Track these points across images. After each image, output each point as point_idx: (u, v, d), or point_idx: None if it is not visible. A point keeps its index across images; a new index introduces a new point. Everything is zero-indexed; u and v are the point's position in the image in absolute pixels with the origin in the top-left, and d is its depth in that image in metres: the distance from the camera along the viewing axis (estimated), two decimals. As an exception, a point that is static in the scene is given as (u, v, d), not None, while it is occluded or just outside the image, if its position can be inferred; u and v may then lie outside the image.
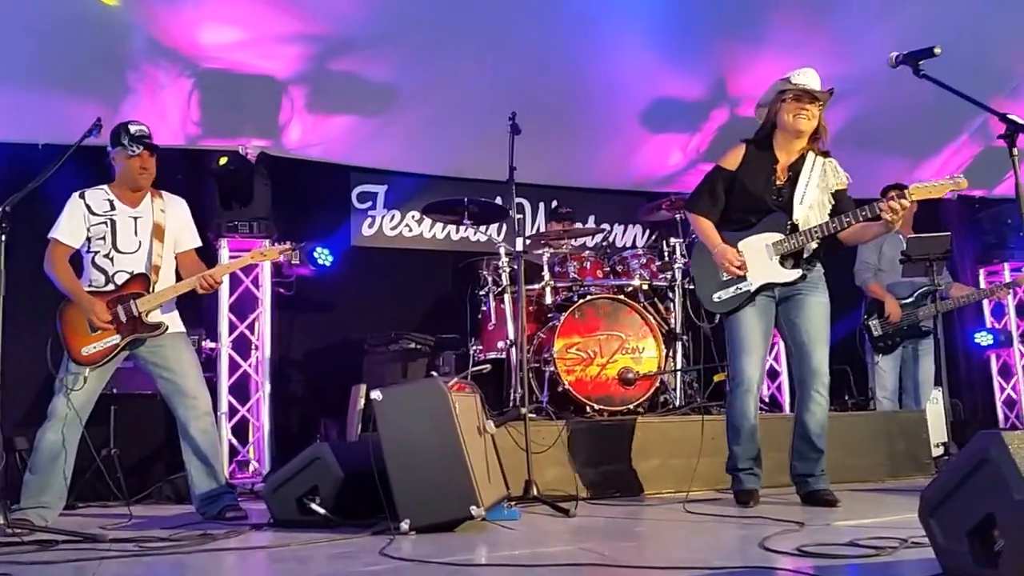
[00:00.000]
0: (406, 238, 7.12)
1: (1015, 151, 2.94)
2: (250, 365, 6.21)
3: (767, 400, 6.92)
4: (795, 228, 3.79)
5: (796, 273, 3.83)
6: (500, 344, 5.43)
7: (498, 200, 5.98)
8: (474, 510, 3.24)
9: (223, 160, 5.91)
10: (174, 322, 4.31)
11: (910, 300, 5.86)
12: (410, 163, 7.04)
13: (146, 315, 4.15)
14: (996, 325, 7.81)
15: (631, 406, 4.93)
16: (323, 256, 6.33)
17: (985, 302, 7.70)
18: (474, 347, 5.62)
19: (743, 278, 3.82)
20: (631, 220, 7.72)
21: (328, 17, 5.80)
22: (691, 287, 4.07)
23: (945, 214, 7.74)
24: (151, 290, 4.20)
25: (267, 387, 6.16)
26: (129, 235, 4.24)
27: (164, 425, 5.80)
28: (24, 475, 4.12)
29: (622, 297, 5.16)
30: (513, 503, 3.75)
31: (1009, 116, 2.93)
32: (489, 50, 6.14)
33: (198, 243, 4.56)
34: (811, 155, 3.87)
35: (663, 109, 6.94)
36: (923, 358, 5.93)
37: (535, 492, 3.91)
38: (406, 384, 3.65)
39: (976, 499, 1.94)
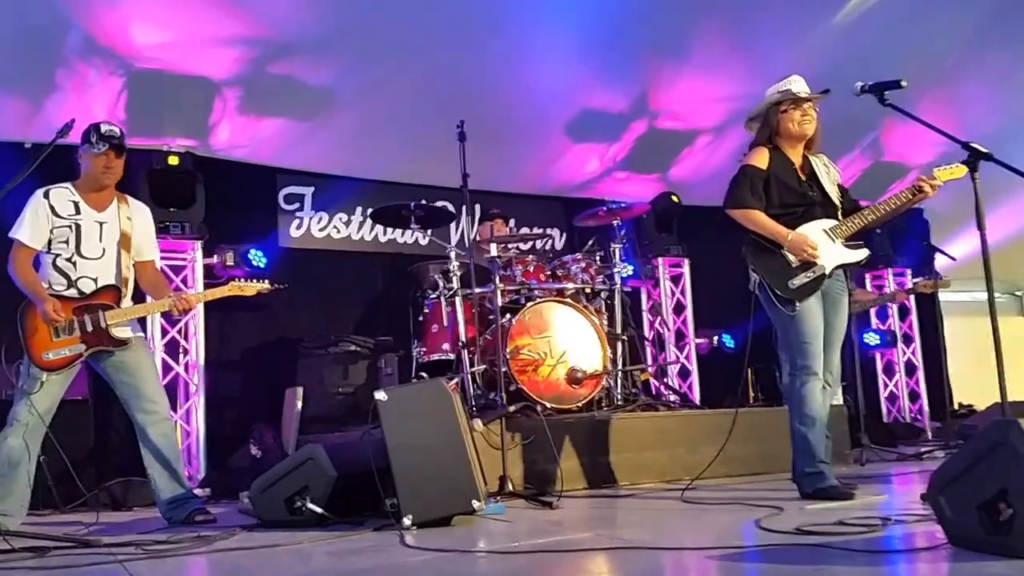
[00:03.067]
0: (334, 240, 7.14)
1: (976, 176, 3.24)
2: (181, 369, 6.08)
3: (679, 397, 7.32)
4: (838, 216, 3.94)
5: (864, 252, 3.97)
6: (445, 346, 5.56)
7: (423, 202, 6.10)
8: (475, 504, 3.40)
9: (175, 160, 5.78)
10: (134, 327, 4.25)
11: None
12: (339, 166, 7.06)
13: (113, 328, 4.08)
14: (881, 326, 8.51)
15: (579, 404, 5.15)
16: (257, 258, 6.27)
17: (869, 304, 8.36)
18: (417, 349, 5.70)
19: (813, 263, 3.85)
20: (549, 224, 8.00)
21: (269, 20, 5.78)
22: (756, 280, 3.95)
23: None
24: (120, 303, 4.13)
25: (201, 392, 6.05)
26: (93, 241, 4.16)
27: (93, 431, 5.66)
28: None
29: (569, 300, 5.38)
30: (498, 498, 3.90)
31: (971, 144, 3.27)
32: (426, 59, 6.25)
33: (158, 254, 4.53)
34: (811, 158, 4.04)
35: (587, 119, 7.24)
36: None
37: (510, 487, 4.08)
38: (410, 385, 3.75)
39: (989, 477, 2.25)
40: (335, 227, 7.14)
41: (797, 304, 3.82)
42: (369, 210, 7.06)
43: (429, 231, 6.89)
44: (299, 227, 7.00)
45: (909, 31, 6.78)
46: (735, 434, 5.17)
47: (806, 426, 3.81)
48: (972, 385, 7.57)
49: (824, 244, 3.88)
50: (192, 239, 6.04)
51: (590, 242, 5.83)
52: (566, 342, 5.26)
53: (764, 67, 6.92)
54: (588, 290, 5.60)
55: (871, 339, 8.11)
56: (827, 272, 3.87)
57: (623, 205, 5.96)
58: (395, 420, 3.43)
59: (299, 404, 5.99)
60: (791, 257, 3.87)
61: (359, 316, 7.03)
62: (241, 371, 6.61)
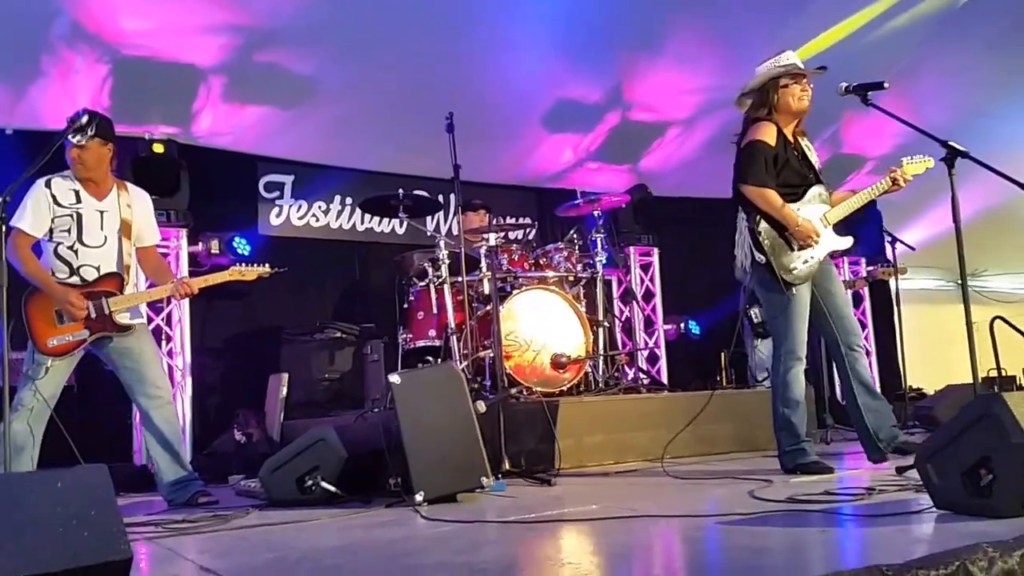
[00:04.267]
0: (313, 228, 7.25)
1: (953, 172, 3.47)
2: (165, 356, 6.15)
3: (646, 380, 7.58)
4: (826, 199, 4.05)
5: (850, 239, 4.11)
6: (431, 332, 5.71)
7: (401, 192, 6.24)
8: (484, 481, 3.59)
9: (159, 147, 5.83)
10: (135, 313, 4.35)
11: None
12: (319, 155, 7.17)
13: (116, 315, 4.18)
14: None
15: (564, 387, 5.36)
16: (241, 246, 6.36)
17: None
18: (403, 336, 5.85)
19: (811, 250, 3.96)
20: (522, 213, 8.20)
21: (257, 9, 5.86)
22: (760, 260, 3.99)
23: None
24: (123, 290, 4.23)
25: (187, 378, 6.13)
26: (95, 229, 4.25)
27: (77, 417, 5.71)
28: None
29: (553, 287, 5.57)
30: (499, 476, 4.08)
31: (949, 143, 3.51)
32: (408, 50, 6.37)
33: (158, 239, 4.61)
34: (797, 137, 4.13)
35: (563, 110, 7.44)
36: None
37: (507, 466, 4.27)
38: (423, 369, 3.93)
39: (972, 446, 2.50)
40: (314, 215, 7.25)
41: (794, 289, 3.95)
42: (348, 199, 7.27)
43: (407, 221, 7.07)
44: (279, 215, 7.10)
45: (871, 28, 7.10)
46: (710, 414, 5.46)
47: (789, 408, 4.01)
48: (918, 369, 7.91)
49: (820, 230, 4.00)
50: (177, 227, 6.11)
51: (572, 231, 6.02)
52: (551, 328, 5.45)
53: (736, 60, 7.17)
54: (571, 278, 5.79)
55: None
56: (820, 260, 4.02)
57: (595, 196, 6.17)
58: (409, 402, 3.60)
59: (284, 390, 6.11)
60: (793, 243, 3.97)
61: (338, 303, 7.17)
62: (223, 358, 6.69)
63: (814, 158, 4.15)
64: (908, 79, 7.61)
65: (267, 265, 4.54)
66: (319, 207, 7.26)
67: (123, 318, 4.22)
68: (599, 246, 5.95)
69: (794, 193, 4.02)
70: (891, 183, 4.04)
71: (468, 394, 3.64)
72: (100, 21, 5.60)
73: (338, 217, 7.33)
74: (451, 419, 3.62)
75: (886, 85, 3.70)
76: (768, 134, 4.00)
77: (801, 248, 3.98)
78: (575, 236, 6.02)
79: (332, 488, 3.71)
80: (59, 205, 4.18)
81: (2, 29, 5.42)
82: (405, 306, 5.98)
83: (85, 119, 4.19)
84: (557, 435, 4.85)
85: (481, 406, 3.98)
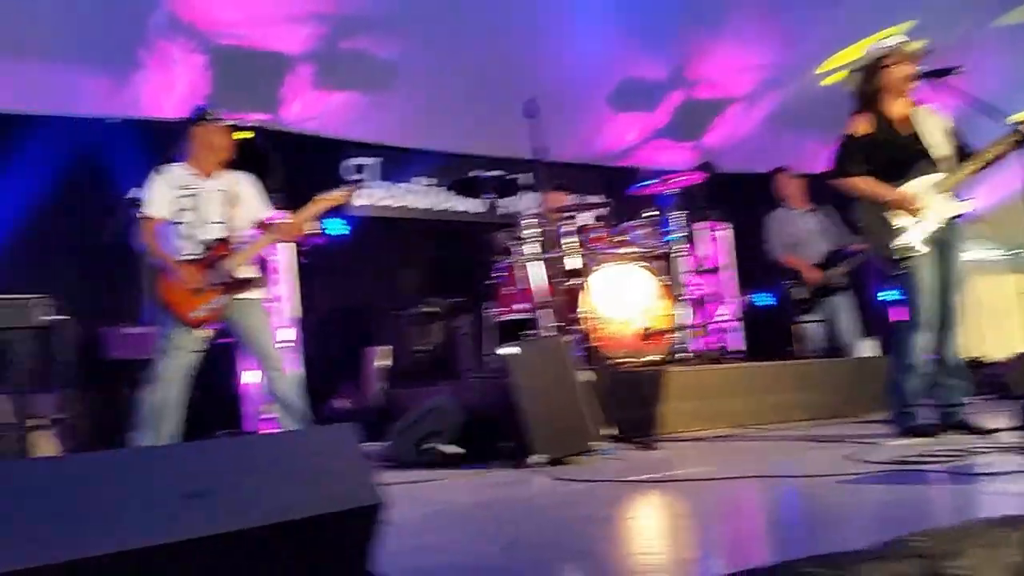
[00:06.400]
0: (393, 208, 7.54)
1: None
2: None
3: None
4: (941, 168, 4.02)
5: (970, 202, 4.06)
6: (519, 306, 5.96)
7: (489, 173, 6.50)
8: (594, 444, 3.87)
9: (246, 134, 6.10)
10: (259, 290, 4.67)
11: (821, 264, 6.75)
12: (402, 138, 7.44)
13: (237, 271, 4.51)
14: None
15: (652, 358, 5.60)
16: (340, 226, 6.68)
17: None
18: (491, 309, 6.11)
19: (919, 220, 4.00)
20: (591, 192, 8.40)
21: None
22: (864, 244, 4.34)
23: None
24: (233, 250, 4.55)
25: (300, 350, 6.43)
26: (214, 206, 4.57)
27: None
28: (128, 435, 4.39)
29: (636, 262, 5.80)
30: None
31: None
32: (485, 34, 6.63)
33: (270, 212, 4.91)
34: (913, 109, 4.12)
35: (629, 89, 7.64)
36: (841, 313, 6.81)
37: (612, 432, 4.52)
38: (534, 341, 4.21)
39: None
40: (394, 196, 7.54)
41: (902, 263, 4.05)
42: (429, 180, 7.55)
43: (488, 200, 7.34)
44: (362, 197, 7.37)
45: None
46: (789, 384, 5.72)
47: (899, 372, 4.16)
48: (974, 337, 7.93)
49: (929, 199, 4.01)
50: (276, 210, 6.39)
51: (649, 208, 6.24)
52: (636, 301, 5.70)
53: (799, 36, 7.33)
54: (652, 254, 6.01)
55: (888, 295, 8.53)
56: (934, 229, 4.03)
57: (669, 175, 6.39)
58: (523, 372, 3.87)
59: (384, 362, 6.44)
60: (895, 219, 4.03)
61: (424, 280, 7.47)
62: (319, 335, 6.98)
63: (936, 126, 4.13)
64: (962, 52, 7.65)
65: (348, 188, 4.97)
66: (400, 188, 7.56)
67: (246, 272, 4.56)
68: (674, 223, 6.16)
69: (897, 172, 4.07)
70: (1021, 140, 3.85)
71: (574, 364, 3.90)
72: (195, 12, 5.91)
73: (418, 198, 7.62)
74: (562, 387, 3.89)
75: (961, 70, 3.82)
76: (859, 127, 4.10)
77: (907, 221, 4.04)
78: (651, 214, 6.24)
79: (454, 450, 4.00)
80: (178, 188, 4.51)
81: (100, 21, 5.74)
82: (492, 281, 6.24)
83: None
84: (661, 402, 5.11)
85: (586, 375, 4.25)
